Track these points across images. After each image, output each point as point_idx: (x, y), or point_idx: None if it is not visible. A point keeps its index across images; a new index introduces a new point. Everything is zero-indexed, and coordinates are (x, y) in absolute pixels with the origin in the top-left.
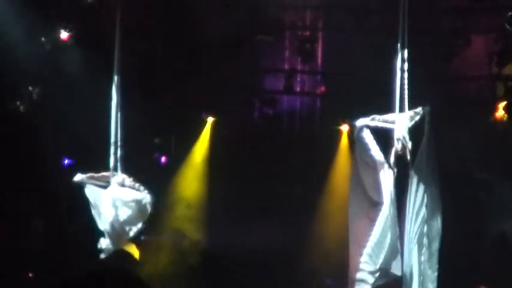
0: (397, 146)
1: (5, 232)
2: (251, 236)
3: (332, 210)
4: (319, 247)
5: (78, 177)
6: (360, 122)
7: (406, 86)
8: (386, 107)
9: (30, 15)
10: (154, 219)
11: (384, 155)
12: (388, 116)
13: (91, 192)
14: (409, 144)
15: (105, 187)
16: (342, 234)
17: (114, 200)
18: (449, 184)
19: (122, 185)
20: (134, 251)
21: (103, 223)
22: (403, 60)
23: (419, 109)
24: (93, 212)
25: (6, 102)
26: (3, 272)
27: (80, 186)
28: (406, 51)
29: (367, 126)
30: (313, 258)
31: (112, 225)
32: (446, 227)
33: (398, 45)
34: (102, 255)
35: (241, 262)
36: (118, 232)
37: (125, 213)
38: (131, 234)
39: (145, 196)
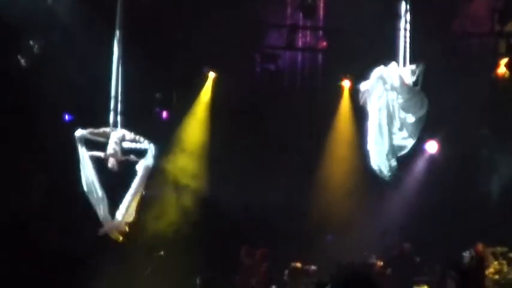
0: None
1: (9, 188)
2: (252, 191)
3: (332, 165)
4: (321, 200)
5: (79, 132)
6: (363, 86)
7: (407, 44)
8: (385, 62)
9: None
10: (155, 174)
11: None
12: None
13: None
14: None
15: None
16: (342, 188)
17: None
18: (450, 141)
19: (123, 139)
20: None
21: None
22: (405, 16)
23: (414, 66)
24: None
25: (8, 55)
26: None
27: (79, 141)
28: (408, 7)
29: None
30: (314, 212)
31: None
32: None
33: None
34: None
35: (242, 216)
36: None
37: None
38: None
39: (148, 146)
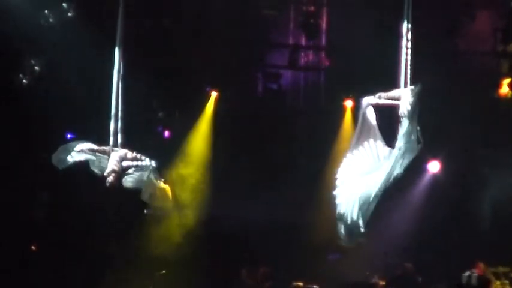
0: (402, 121)
1: (11, 203)
2: (253, 207)
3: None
4: (323, 220)
5: (79, 146)
6: (365, 100)
7: (409, 63)
8: (389, 83)
9: None
10: (157, 192)
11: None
12: (393, 93)
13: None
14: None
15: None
16: None
17: None
18: (452, 159)
19: (124, 159)
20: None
21: None
22: (407, 37)
23: (412, 87)
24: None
25: (10, 74)
26: (10, 241)
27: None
28: (410, 26)
29: (372, 105)
30: (316, 232)
31: None
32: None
33: (404, 21)
34: None
35: (243, 232)
36: None
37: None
38: None
39: (148, 163)
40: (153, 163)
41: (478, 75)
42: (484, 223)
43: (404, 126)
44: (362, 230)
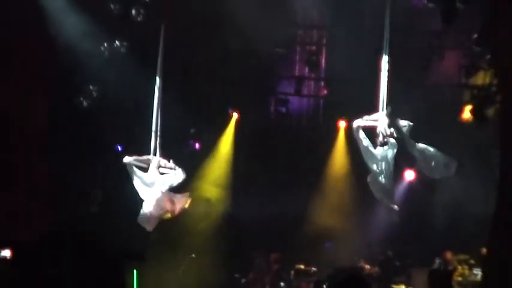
0: (379, 137)
1: (73, 200)
2: (265, 204)
3: (330, 187)
4: (321, 215)
5: (127, 159)
6: (355, 123)
7: (385, 91)
8: (373, 106)
9: (94, 29)
10: (188, 192)
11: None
12: (374, 116)
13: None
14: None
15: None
16: (338, 205)
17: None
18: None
19: (159, 166)
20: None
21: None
22: (385, 71)
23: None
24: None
25: (73, 98)
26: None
27: (128, 166)
28: (387, 62)
29: (360, 126)
30: (315, 224)
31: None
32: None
33: (383, 58)
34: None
35: (257, 224)
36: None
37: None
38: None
39: (178, 172)
40: (182, 172)
41: (446, 102)
42: (448, 220)
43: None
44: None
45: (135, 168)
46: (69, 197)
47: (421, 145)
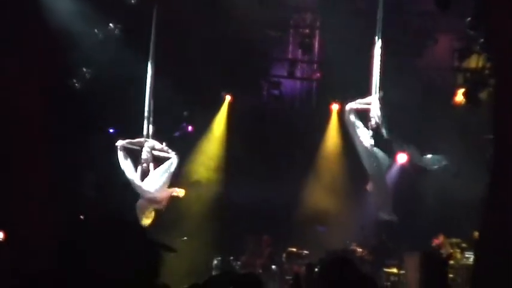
0: (372, 121)
1: (66, 182)
2: (258, 188)
3: (323, 170)
4: (313, 199)
5: (120, 142)
6: (348, 106)
7: (378, 76)
8: (365, 90)
9: (88, 12)
10: (182, 176)
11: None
12: (367, 99)
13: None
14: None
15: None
16: (331, 188)
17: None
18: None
19: (153, 148)
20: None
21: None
22: (378, 54)
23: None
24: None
25: (66, 80)
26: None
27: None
28: (380, 47)
29: (353, 109)
30: (308, 208)
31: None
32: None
33: (376, 42)
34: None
35: (249, 207)
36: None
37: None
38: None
39: (172, 157)
40: (176, 157)
41: (439, 86)
42: (440, 204)
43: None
44: None
45: (126, 159)
46: (63, 180)
47: None
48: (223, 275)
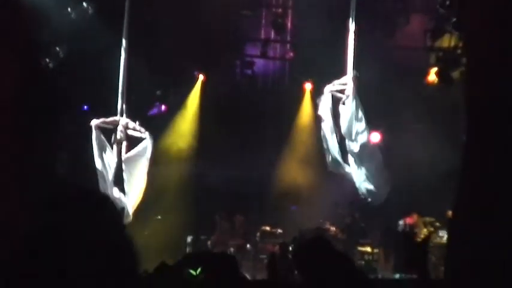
0: (344, 99)
1: (37, 162)
2: (231, 167)
3: (295, 149)
4: (286, 177)
5: (94, 121)
6: (327, 88)
7: (352, 56)
8: (339, 70)
9: None
10: (155, 155)
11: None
12: (342, 79)
13: (98, 141)
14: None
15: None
16: (303, 167)
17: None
18: (389, 132)
19: (126, 127)
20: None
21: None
22: (352, 34)
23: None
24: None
25: (39, 59)
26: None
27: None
28: (353, 27)
29: (331, 91)
30: (280, 187)
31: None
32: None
33: (350, 22)
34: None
35: (223, 186)
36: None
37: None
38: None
39: (147, 137)
40: (150, 137)
41: (411, 65)
42: (413, 182)
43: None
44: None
45: (99, 140)
46: (35, 158)
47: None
48: (195, 254)
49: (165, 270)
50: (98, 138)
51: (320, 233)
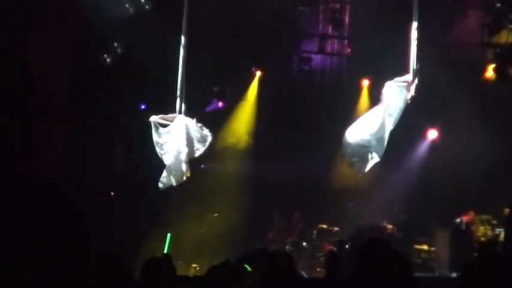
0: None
1: (97, 157)
2: (289, 165)
3: None
4: (343, 175)
5: (153, 117)
6: (387, 84)
7: (415, 53)
8: (396, 66)
9: None
10: (211, 152)
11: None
12: (405, 77)
13: (157, 134)
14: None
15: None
16: None
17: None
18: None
19: (186, 124)
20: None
21: (167, 158)
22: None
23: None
24: (158, 146)
25: (97, 55)
26: (93, 190)
27: (152, 125)
28: (416, 23)
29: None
30: (338, 185)
31: (176, 158)
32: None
33: (413, 20)
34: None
35: (281, 183)
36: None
37: (190, 146)
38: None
39: (207, 134)
40: (210, 135)
41: (469, 61)
42: (474, 180)
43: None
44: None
45: (158, 130)
46: (92, 154)
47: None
48: (253, 252)
49: (227, 266)
50: (155, 134)
51: (376, 231)
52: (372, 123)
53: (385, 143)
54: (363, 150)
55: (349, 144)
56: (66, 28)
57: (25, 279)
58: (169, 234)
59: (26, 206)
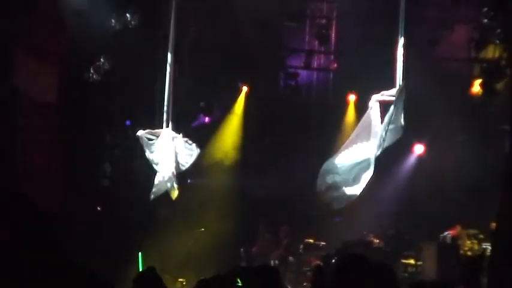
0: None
1: (82, 173)
2: (275, 180)
3: None
4: None
5: (140, 132)
6: (373, 98)
7: (401, 68)
8: (383, 81)
9: (103, 2)
10: (198, 167)
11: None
12: (392, 91)
13: (148, 145)
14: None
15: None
16: None
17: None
18: (433, 144)
19: (173, 138)
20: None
21: (160, 168)
22: (401, 47)
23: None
24: (150, 157)
25: (83, 71)
26: (80, 206)
27: (140, 139)
28: (403, 39)
29: (378, 101)
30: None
31: (164, 171)
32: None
33: (399, 34)
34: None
35: (267, 199)
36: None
37: (176, 160)
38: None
39: (194, 148)
40: (197, 150)
41: (456, 76)
42: (461, 194)
43: (388, 115)
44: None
45: (147, 141)
46: (78, 170)
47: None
48: (239, 268)
49: (218, 280)
50: (145, 143)
51: (362, 245)
52: (350, 157)
53: (368, 174)
54: (338, 190)
55: (325, 182)
56: (53, 45)
57: None
58: (140, 253)
59: None
